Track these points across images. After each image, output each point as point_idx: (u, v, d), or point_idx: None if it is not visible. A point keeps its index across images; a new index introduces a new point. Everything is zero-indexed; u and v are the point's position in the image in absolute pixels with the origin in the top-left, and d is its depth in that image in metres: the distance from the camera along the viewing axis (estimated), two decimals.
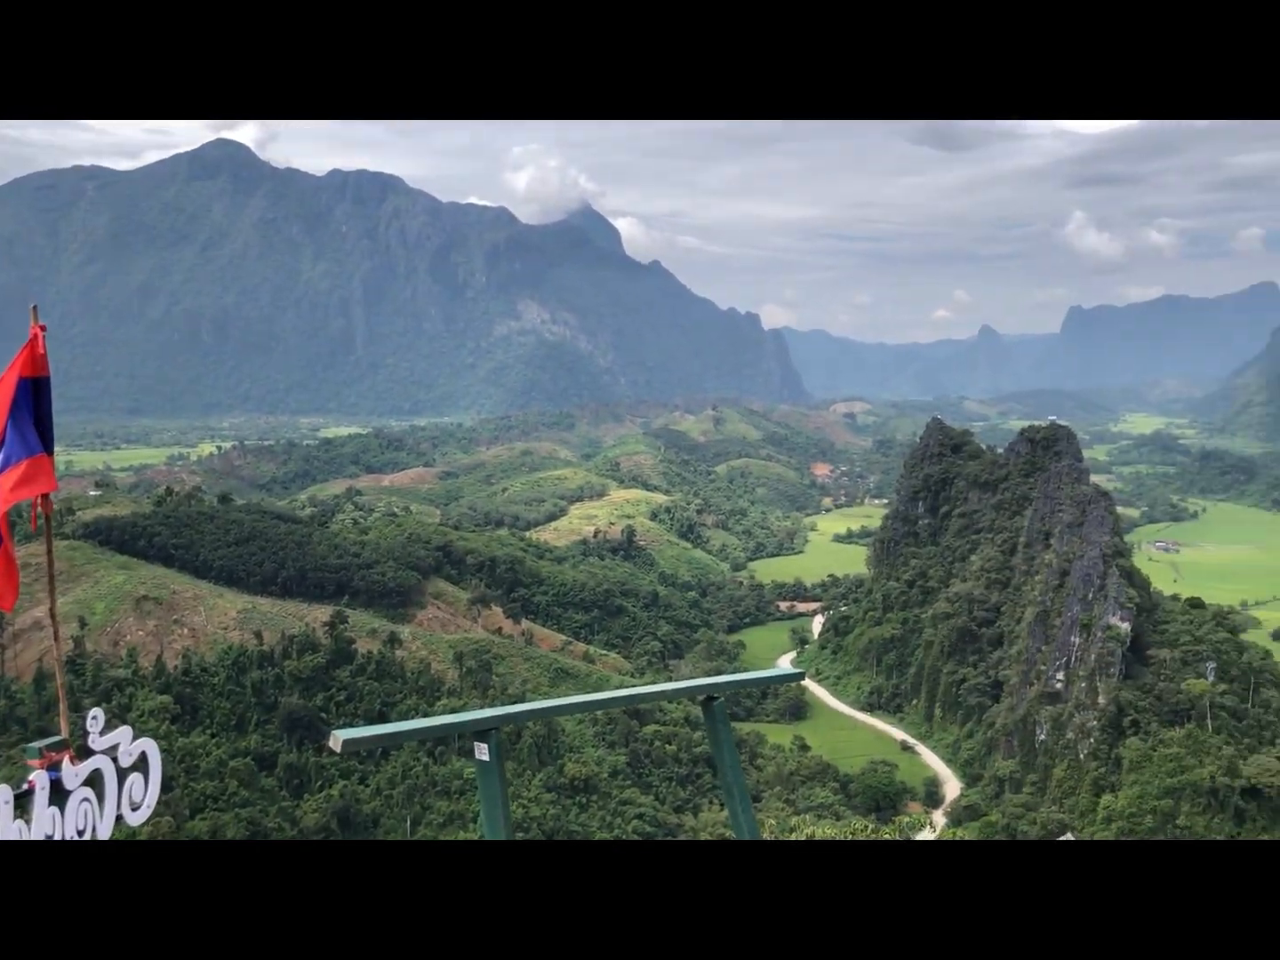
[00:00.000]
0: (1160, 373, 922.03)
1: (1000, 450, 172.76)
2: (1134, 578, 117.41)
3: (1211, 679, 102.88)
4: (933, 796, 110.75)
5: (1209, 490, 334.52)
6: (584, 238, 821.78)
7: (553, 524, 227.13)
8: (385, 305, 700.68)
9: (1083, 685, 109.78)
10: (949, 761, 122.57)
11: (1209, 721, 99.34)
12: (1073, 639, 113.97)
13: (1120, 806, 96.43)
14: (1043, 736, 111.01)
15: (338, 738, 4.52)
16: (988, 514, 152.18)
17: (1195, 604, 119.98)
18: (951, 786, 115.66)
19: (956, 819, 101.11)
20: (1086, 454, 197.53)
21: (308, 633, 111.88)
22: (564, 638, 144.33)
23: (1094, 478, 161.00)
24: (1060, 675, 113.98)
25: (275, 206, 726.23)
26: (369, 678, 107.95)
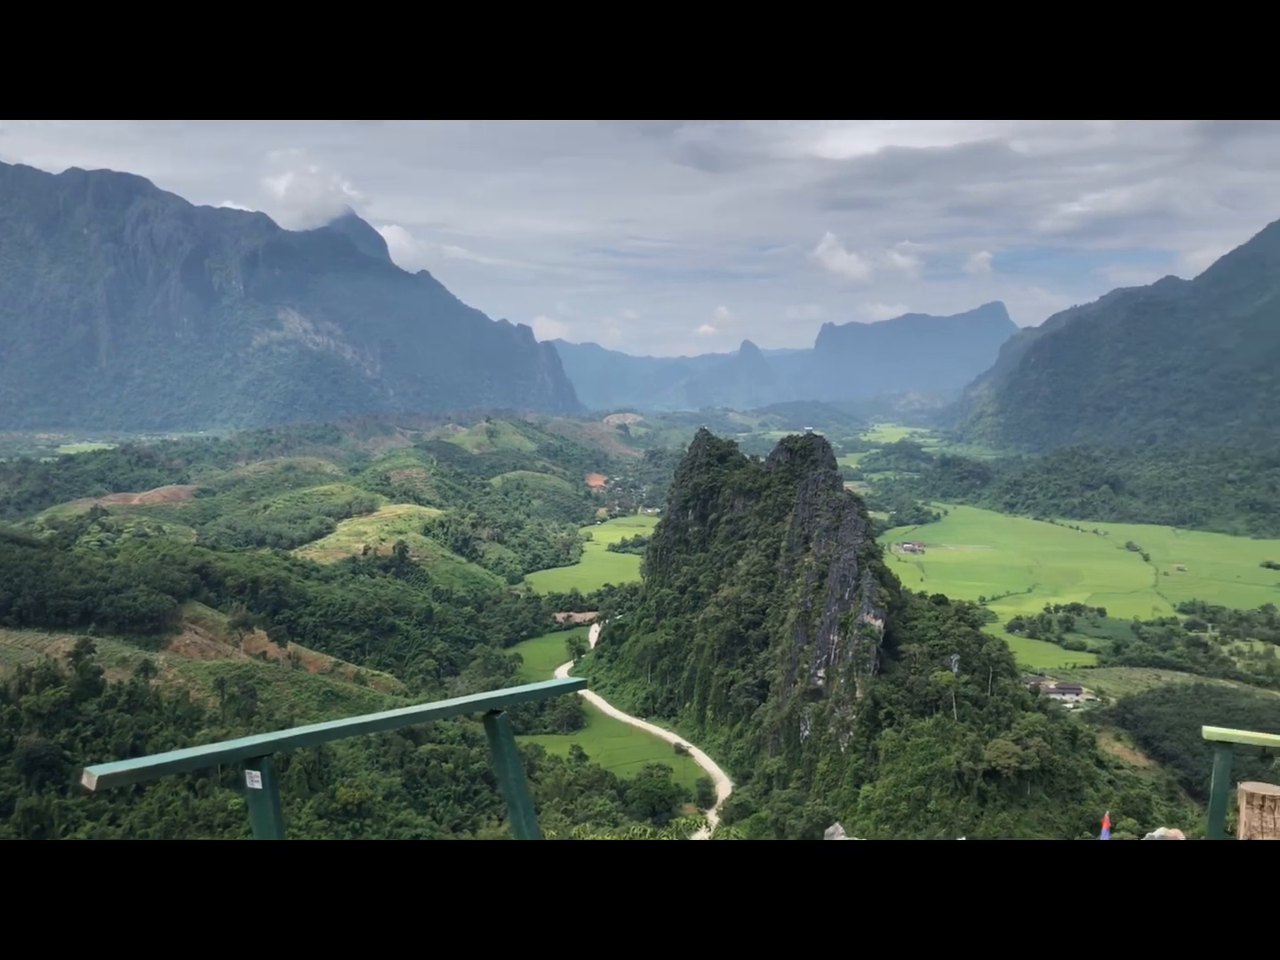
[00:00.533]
0: (905, 385, 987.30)
1: (763, 459, 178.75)
2: (885, 577, 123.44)
3: (956, 670, 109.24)
4: (706, 797, 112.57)
5: (949, 494, 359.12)
6: (348, 245, 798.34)
7: (319, 542, 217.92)
8: (133, 313, 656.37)
9: (842, 681, 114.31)
10: (721, 762, 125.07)
11: (954, 710, 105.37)
12: (832, 637, 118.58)
13: (878, 796, 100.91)
14: (806, 732, 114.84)
15: (91, 775, 4.20)
16: (752, 520, 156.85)
17: (940, 601, 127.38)
18: (724, 786, 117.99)
19: (729, 817, 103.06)
20: (840, 462, 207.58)
21: (48, 665, 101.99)
22: (334, 659, 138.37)
23: (847, 484, 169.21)
24: (821, 673, 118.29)
25: (5, 205, 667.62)
26: (120, 710, 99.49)
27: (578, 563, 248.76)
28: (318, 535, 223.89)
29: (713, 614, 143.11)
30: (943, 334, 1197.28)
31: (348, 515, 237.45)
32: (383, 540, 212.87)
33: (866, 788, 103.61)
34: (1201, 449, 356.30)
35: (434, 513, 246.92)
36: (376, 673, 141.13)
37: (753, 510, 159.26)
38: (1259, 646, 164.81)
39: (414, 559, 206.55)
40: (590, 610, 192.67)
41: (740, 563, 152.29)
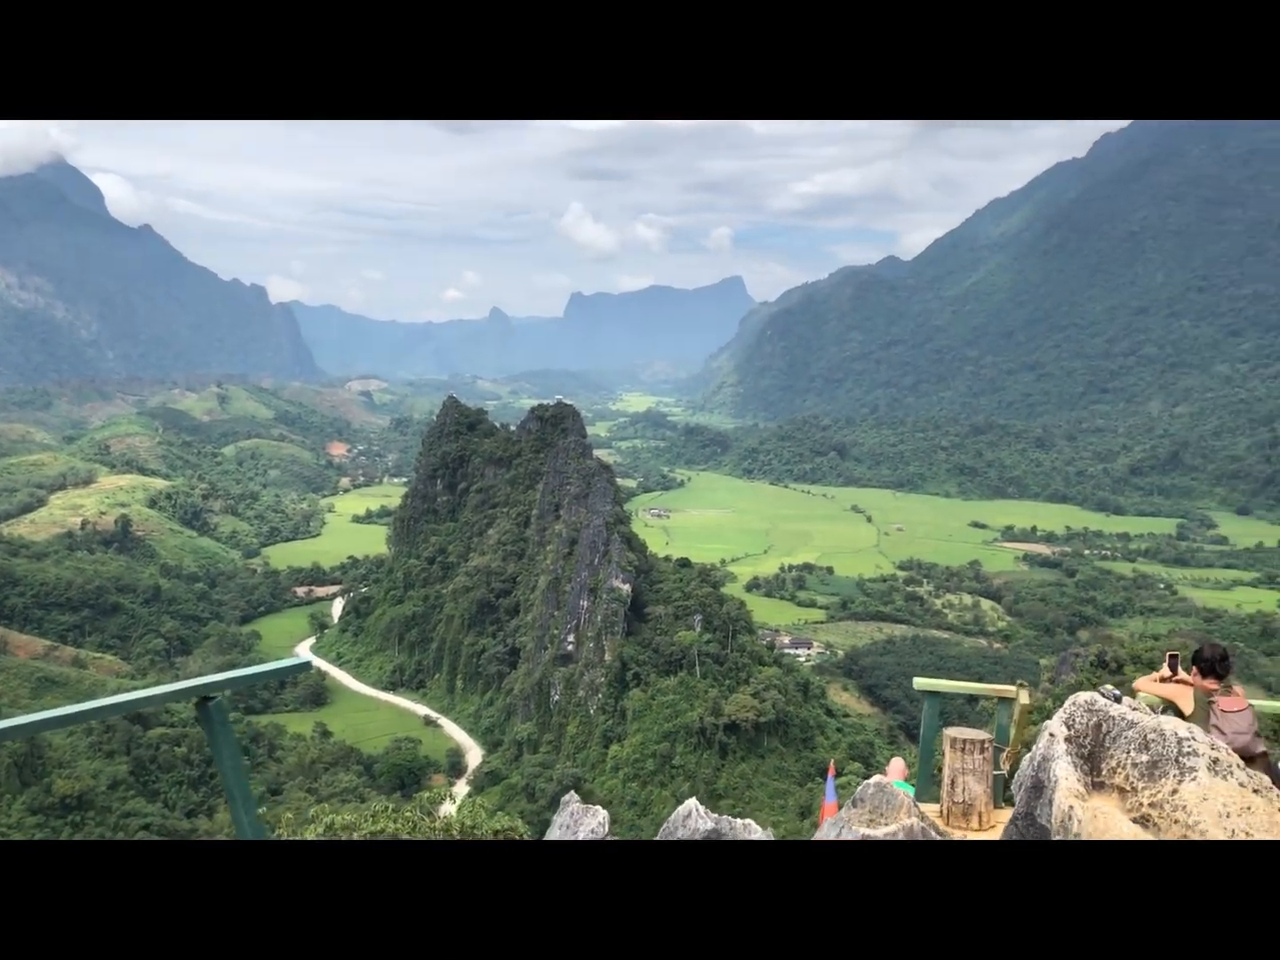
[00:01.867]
0: (652, 355, 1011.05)
1: (513, 427, 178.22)
2: (633, 543, 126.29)
3: (698, 630, 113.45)
4: (456, 766, 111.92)
5: (693, 461, 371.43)
6: (58, 195, 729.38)
7: (29, 516, 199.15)
8: None
9: (591, 645, 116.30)
10: (471, 731, 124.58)
11: (697, 668, 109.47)
12: (582, 603, 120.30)
13: (626, 754, 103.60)
14: (556, 697, 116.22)
15: None
16: (503, 489, 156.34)
17: (684, 564, 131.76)
18: (474, 755, 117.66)
19: (479, 785, 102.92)
20: (590, 430, 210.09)
21: None
22: (48, 643, 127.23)
23: (597, 452, 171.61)
24: (571, 638, 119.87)
25: None
26: None
27: (319, 535, 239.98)
28: (27, 509, 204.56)
29: (463, 584, 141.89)
30: (687, 306, 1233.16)
31: (62, 487, 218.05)
32: (103, 514, 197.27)
33: (615, 748, 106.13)
34: (918, 418, 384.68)
35: (160, 484, 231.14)
36: (98, 655, 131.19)
37: (503, 479, 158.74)
38: (967, 599, 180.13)
39: (139, 533, 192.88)
40: (334, 584, 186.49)
41: (491, 532, 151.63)
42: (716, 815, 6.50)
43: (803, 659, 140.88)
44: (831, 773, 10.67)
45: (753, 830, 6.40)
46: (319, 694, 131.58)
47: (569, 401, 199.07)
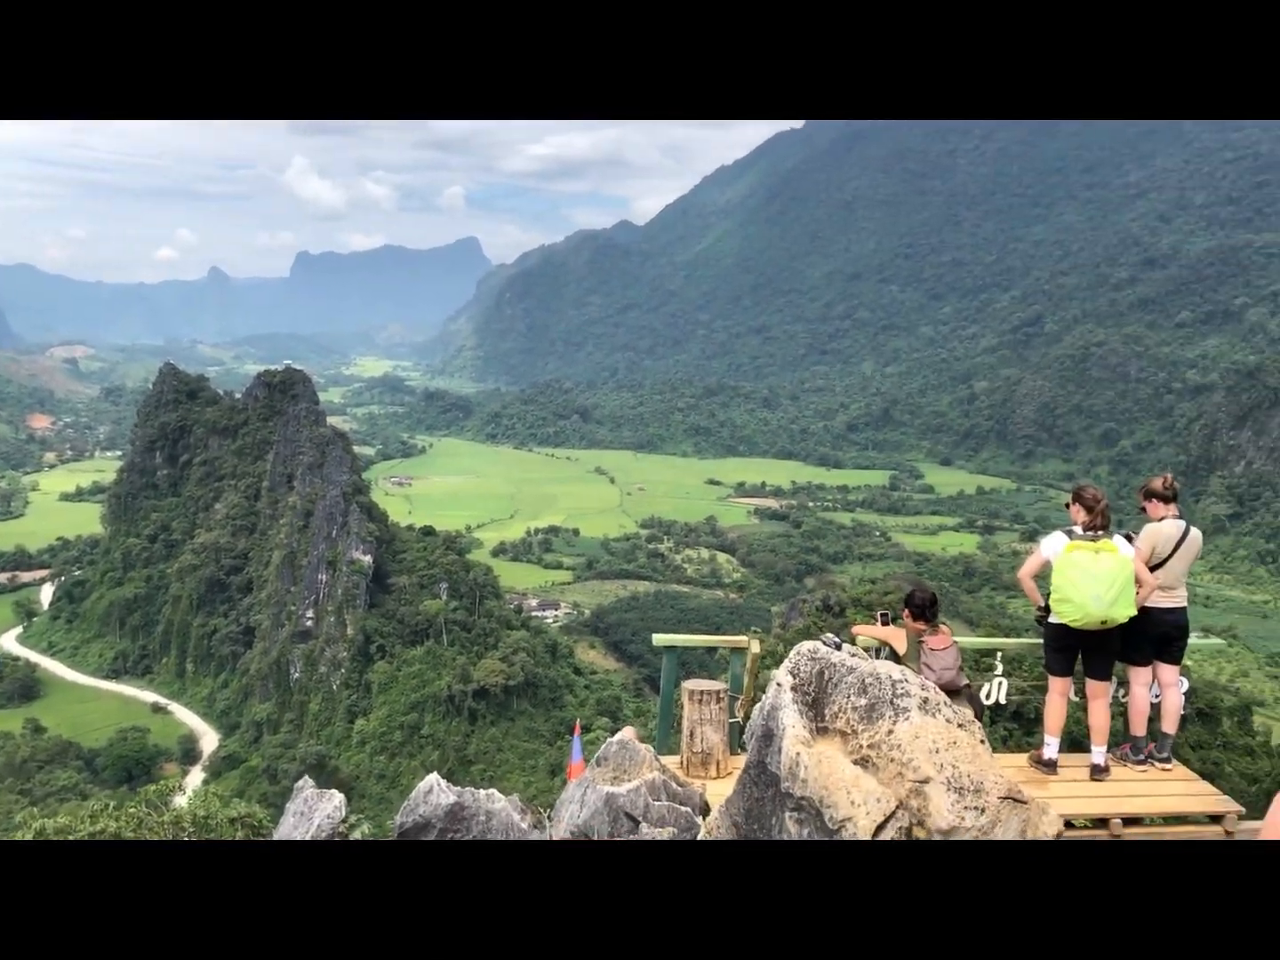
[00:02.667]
0: (386, 318, 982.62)
1: (238, 395, 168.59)
2: (373, 512, 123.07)
3: (445, 598, 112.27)
4: (190, 754, 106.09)
5: (434, 427, 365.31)
6: None
7: None
8: None
9: (332, 619, 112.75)
10: (205, 715, 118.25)
11: (444, 637, 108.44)
12: (320, 577, 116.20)
13: (372, 728, 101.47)
14: (297, 674, 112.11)
15: None
16: (229, 460, 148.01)
17: (428, 532, 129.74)
18: (210, 740, 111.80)
19: (216, 770, 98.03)
20: (323, 397, 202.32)
21: None
22: None
23: (331, 419, 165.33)
24: (310, 613, 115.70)
25: None
26: None
27: (23, 516, 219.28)
28: None
29: (189, 562, 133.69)
30: (421, 267, 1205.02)
31: None
32: None
33: (360, 722, 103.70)
34: (655, 381, 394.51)
35: None
36: None
37: (229, 450, 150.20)
38: (705, 553, 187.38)
39: None
40: (41, 568, 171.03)
41: (218, 506, 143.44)
42: (459, 788, 6.39)
43: (551, 620, 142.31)
44: (577, 731, 10.76)
45: (495, 799, 6.34)
46: (29, 687, 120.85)
47: (299, 367, 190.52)
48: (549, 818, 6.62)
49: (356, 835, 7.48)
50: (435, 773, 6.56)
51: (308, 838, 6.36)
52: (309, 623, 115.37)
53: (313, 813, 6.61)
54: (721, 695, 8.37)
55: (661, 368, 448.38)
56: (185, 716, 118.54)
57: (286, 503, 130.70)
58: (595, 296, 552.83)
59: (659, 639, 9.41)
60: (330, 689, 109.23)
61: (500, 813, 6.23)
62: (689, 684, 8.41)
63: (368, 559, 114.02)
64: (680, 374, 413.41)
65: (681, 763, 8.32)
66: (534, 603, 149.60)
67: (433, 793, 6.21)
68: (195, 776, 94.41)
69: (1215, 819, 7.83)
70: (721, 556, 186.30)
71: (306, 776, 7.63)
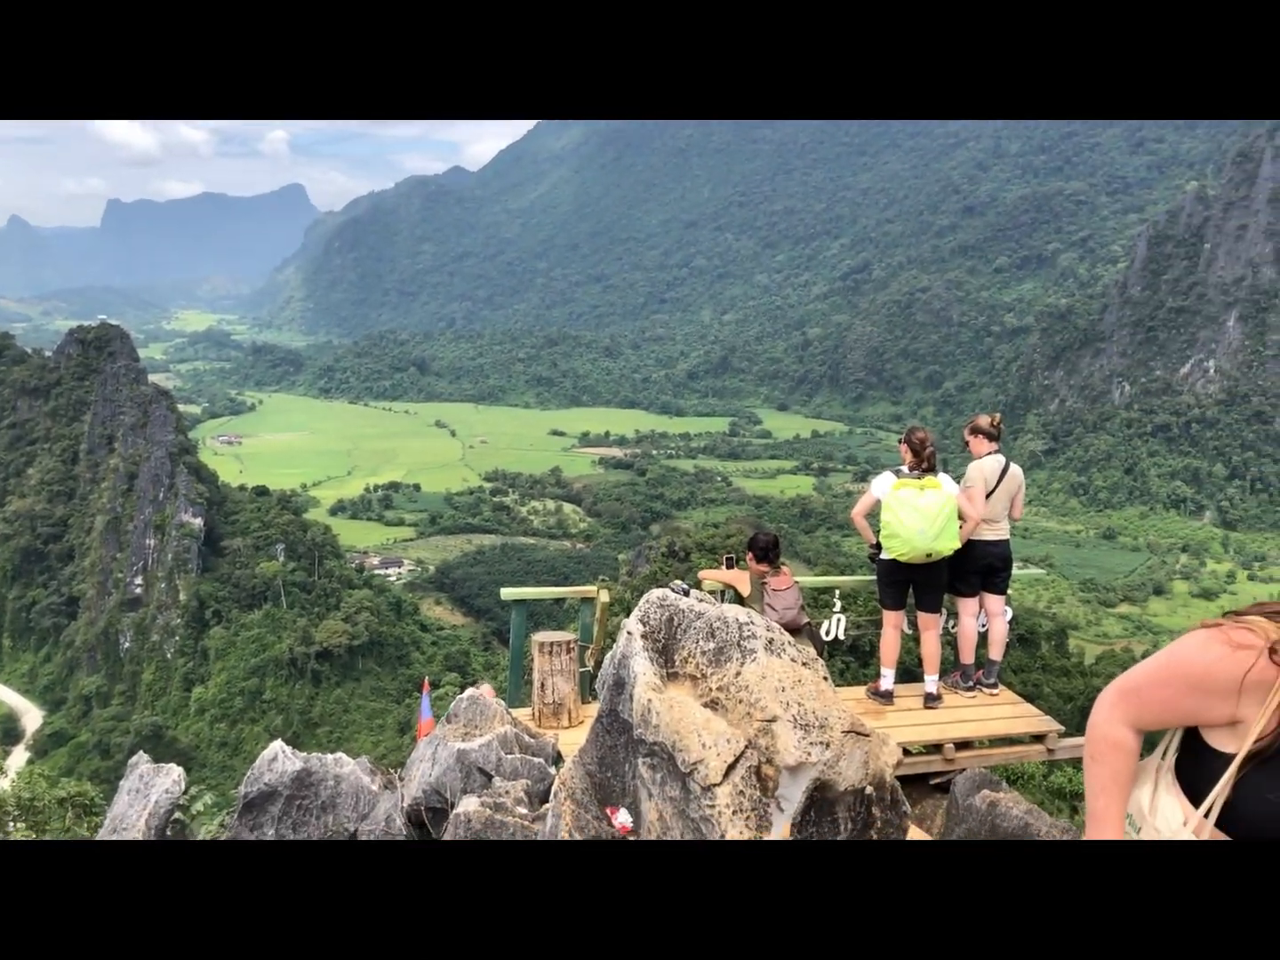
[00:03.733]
0: (208, 269, 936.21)
1: (48, 353, 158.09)
2: (202, 473, 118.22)
3: (282, 559, 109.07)
4: (11, 733, 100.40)
5: (263, 382, 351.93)
6: None
7: None
8: None
9: (162, 586, 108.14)
10: (26, 692, 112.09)
11: (284, 599, 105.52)
12: (148, 542, 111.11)
13: (211, 695, 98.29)
14: (127, 644, 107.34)
15: None
16: (42, 422, 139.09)
17: (262, 492, 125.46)
18: (33, 717, 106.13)
19: (41, 750, 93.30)
20: (142, 353, 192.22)
21: None
22: None
23: (153, 377, 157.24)
24: (139, 580, 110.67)
25: None
26: None
27: None
28: None
29: (1, 532, 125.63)
30: (244, 215, 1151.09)
31: None
32: None
33: (198, 690, 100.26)
34: (495, 331, 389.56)
35: None
36: None
37: (42, 411, 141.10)
38: (550, 505, 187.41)
39: None
40: None
41: (31, 471, 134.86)
42: (305, 754, 6.24)
43: (394, 578, 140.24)
44: (426, 689, 10.64)
45: (343, 763, 6.22)
46: None
47: (114, 322, 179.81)
48: (400, 777, 6.54)
49: (198, 808, 7.22)
50: (279, 739, 6.38)
51: (145, 815, 6.10)
52: (138, 590, 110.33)
53: (149, 789, 6.34)
54: (571, 645, 8.41)
55: (500, 317, 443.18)
56: (4, 694, 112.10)
57: (107, 465, 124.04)
58: (429, 244, 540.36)
59: (507, 593, 9.37)
60: (164, 657, 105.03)
61: (349, 776, 6.12)
62: (538, 636, 8.42)
63: (198, 522, 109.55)
64: (520, 324, 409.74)
65: (533, 714, 8.34)
66: (376, 561, 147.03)
67: (277, 760, 6.04)
68: (18, 757, 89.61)
69: (1038, 738, 8.35)
70: (568, 507, 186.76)
71: (141, 752, 7.31)
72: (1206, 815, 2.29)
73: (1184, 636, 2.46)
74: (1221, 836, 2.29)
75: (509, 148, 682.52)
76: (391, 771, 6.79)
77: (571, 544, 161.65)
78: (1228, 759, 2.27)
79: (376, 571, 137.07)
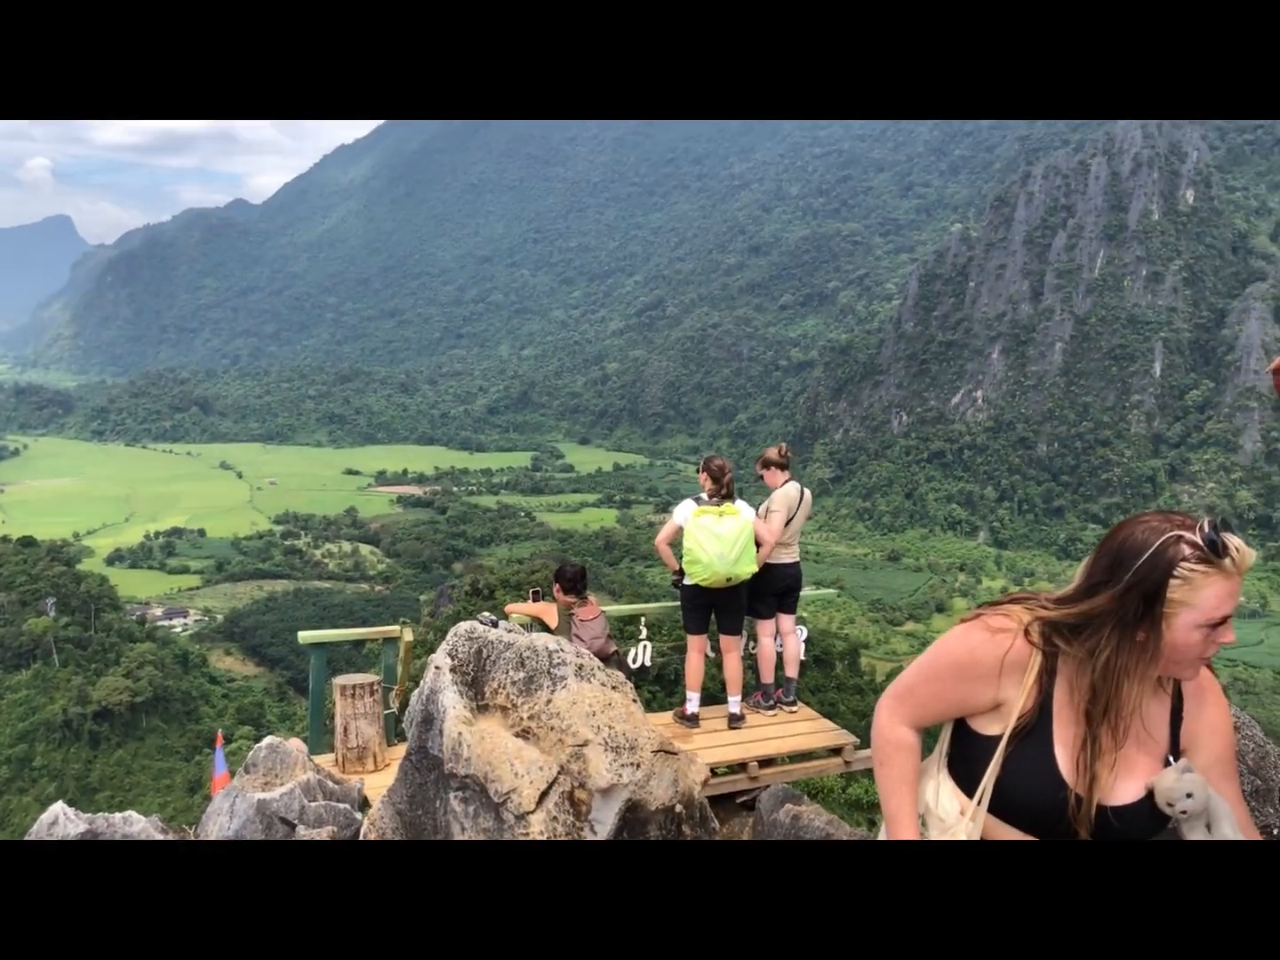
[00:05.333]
0: None
1: None
2: None
3: (53, 614, 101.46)
4: None
5: (29, 426, 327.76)
6: None
7: None
8: None
9: None
10: None
11: (55, 657, 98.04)
12: None
13: None
14: None
15: None
16: None
17: (28, 543, 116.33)
18: None
19: None
20: None
21: None
22: None
23: None
24: None
25: None
26: None
27: None
28: None
29: None
30: (4, 248, 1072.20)
31: None
32: None
33: None
34: (282, 368, 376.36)
35: None
36: None
37: None
38: (346, 546, 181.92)
39: None
40: None
41: None
42: (90, 815, 5.83)
43: (180, 629, 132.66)
44: (219, 742, 10.17)
45: (133, 821, 5.85)
46: None
47: None
48: (195, 834, 6.21)
49: None
50: (60, 801, 5.93)
51: None
52: None
53: None
54: (375, 687, 8.21)
55: (289, 354, 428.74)
56: None
57: None
58: (210, 279, 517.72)
59: (304, 636, 9.06)
60: None
61: (139, 835, 5.75)
62: (339, 680, 8.17)
63: None
64: (310, 360, 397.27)
65: (337, 760, 8.08)
66: (159, 612, 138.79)
67: (58, 823, 5.62)
68: None
69: (836, 752, 8.71)
70: (365, 548, 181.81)
71: None
72: (980, 801, 2.42)
73: (944, 634, 2.61)
74: (995, 821, 2.42)
75: (295, 180, 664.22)
76: (186, 829, 6.43)
77: (370, 586, 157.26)
78: (994, 741, 2.43)
79: (160, 623, 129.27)
